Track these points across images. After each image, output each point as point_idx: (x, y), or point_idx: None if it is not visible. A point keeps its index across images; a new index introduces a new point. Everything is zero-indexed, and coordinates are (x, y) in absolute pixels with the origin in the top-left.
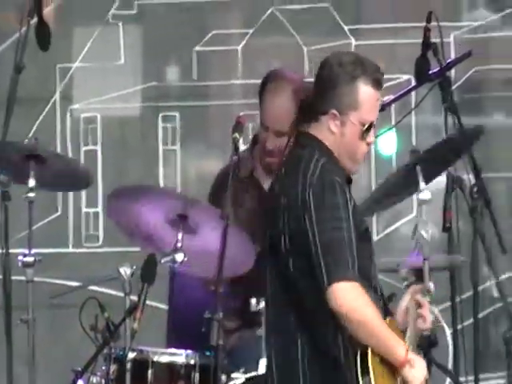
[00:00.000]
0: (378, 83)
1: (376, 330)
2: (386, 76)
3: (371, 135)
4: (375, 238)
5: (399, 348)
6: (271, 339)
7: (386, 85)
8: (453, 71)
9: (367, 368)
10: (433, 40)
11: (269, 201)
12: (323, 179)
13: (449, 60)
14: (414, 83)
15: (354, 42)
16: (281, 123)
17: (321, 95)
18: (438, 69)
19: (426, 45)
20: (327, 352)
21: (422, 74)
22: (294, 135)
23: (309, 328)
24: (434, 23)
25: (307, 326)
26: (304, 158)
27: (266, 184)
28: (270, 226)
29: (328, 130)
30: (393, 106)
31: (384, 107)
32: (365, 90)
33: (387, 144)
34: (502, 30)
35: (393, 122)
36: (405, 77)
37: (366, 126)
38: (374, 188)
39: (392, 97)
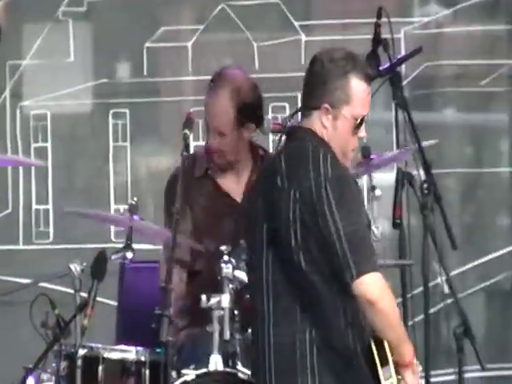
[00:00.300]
0: (368, 78)
1: (396, 323)
2: None
3: (362, 129)
4: None
5: (410, 348)
6: (268, 332)
7: None
8: (403, 67)
9: (386, 357)
10: (383, 36)
11: (265, 194)
12: (338, 173)
13: (399, 56)
14: None
15: (304, 37)
16: (219, 121)
17: (312, 91)
18: (388, 64)
19: (377, 41)
20: (338, 344)
21: (372, 69)
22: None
23: (319, 321)
24: (384, 19)
25: (317, 318)
26: (309, 151)
27: (222, 181)
28: (269, 219)
29: (320, 125)
30: None
31: None
32: (356, 85)
33: None
34: (454, 26)
35: None
36: None
37: (359, 120)
38: None
39: None
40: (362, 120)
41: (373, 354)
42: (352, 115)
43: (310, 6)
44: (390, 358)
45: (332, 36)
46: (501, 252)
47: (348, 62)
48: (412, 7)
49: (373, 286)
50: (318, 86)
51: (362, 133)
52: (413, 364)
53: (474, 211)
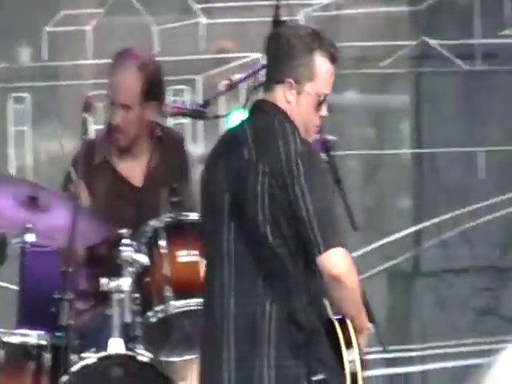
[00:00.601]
0: (333, 58)
1: (358, 299)
2: (237, 54)
3: (324, 108)
4: None
5: (365, 316)
6: (229, 302)
7: (237, 63)
8: None
9: (350, 340)
10: (283, 18)
11: (229, 166)
12: (307, 148)
13: None
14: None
15: (204, 20)
16: (125, 93)
17: (277, 65)
18: None
19: (276, 23)
20: (299, 318)
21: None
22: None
23: (281, 294)
24: (284, 1)
25: (279, 292)
26: (275, 125)
27: (121, 167)
28: (234, 191)
29: (284, 99)
30: (243, 84)
31: (234, 85)
32: (321, 62)
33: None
34: (354, 7)
35: (243, 101)
36: (256, 55)
37: (322, 98)
38: None
39: (243, 75)
40: (324, 98)
41: (337, 333)
42: (315, 92)
43: None
44: (355, 341)
45: (232, 18)
46: (402, 233)
47: (314, 39)
48: None
49: (338, 261)
50: (282, 61)
51: (324, 111)
52: (367, 328)
53: (376, 193)
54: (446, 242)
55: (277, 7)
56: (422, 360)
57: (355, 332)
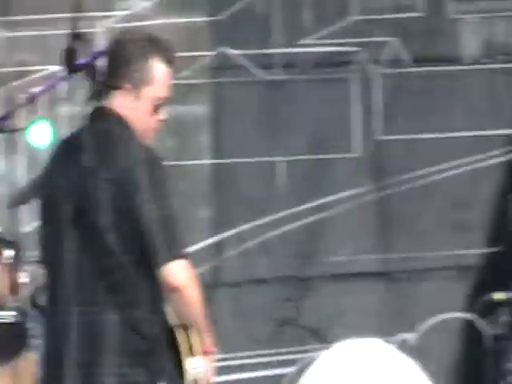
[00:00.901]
0: (170, 61)
1: (198, 312)
2: (36, 67)
3: (163, 112)
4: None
5: (208, 337)
6: (71, 311)
7: (36, 75)
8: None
9: (191, 349)
10: (82, 30)
11: (68, 173)
12: (149, 155)
13: (97, 50)
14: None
15: (4, 33)
16: None
17: (114, 71)
18: (86, 59)
19: (74, 35)
20: (141, 328)
21: (70, 64)
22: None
23: (123, 303)
24: (82, 13)
25: (121, 301)
26: (115, 132)
27: None
28: (73, 198)
29: (122, 105)
30: (43, 96)
31: (33, 98)
32: (158, 66)
33: (40, 135)
34: (155, 18)
35: (43, 113)
36: (55, 67)
37: (160, 102)
38: (26, 180)
39: (42, 88)
40: (162, 102)
41: (179, 343)
42: (153, 96)
43: (8, 1)
44: (200, 351)
45: (32, 31)
46: (202, 244)
47: (150, 43)
48: (112, 1)
49: (179, 274)
50: (119, 67)
51: (162, 115)
52: (210, 352)
53: (177, 204)
54: (246, 252)
55: (75, 20)
56: (221, 371)
57: (198, 339)
